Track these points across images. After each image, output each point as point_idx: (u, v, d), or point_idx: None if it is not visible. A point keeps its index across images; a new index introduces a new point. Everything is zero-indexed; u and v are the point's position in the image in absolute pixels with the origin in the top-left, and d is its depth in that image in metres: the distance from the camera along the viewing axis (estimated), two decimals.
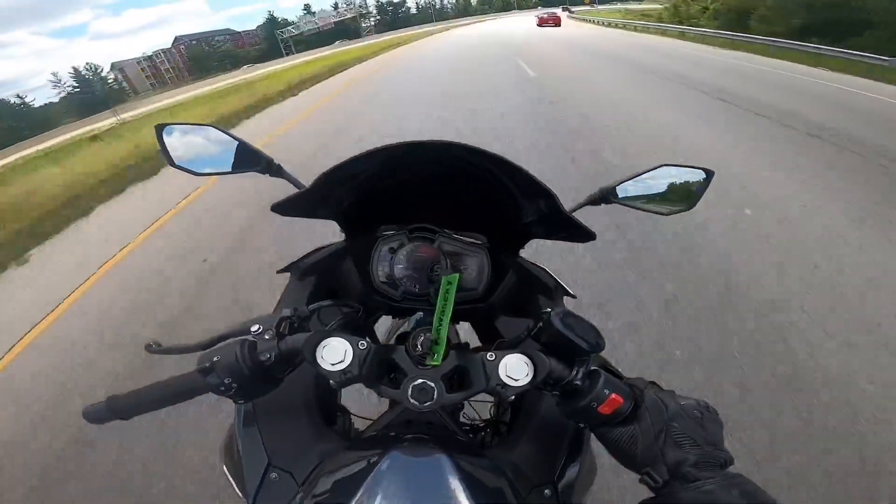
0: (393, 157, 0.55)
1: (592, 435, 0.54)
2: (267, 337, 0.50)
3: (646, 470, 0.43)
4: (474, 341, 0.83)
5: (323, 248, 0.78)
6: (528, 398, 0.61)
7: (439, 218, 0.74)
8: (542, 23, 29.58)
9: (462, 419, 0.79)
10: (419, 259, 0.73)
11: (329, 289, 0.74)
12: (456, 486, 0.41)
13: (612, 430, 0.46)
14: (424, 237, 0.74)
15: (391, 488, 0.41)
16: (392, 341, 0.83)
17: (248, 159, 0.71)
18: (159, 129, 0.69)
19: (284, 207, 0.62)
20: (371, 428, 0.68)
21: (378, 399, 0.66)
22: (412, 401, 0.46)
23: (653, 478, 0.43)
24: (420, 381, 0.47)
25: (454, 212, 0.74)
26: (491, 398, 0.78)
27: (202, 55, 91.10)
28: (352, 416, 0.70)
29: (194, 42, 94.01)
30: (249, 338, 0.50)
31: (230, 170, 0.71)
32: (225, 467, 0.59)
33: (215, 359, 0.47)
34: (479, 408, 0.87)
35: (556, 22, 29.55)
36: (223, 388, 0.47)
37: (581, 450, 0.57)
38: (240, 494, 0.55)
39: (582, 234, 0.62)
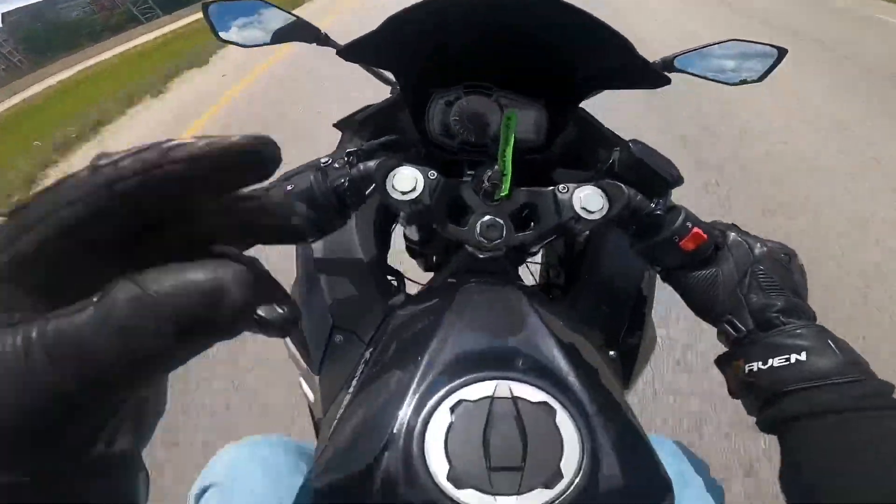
0: (450, 6, 0.54)
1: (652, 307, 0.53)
2: (337, 166, 0.48)
3: (727, 318, 0.40)
4: None
5: (376, 104, 0.78)
6: (586, 260, 0.59)
7: (494, 78, 0.74)
8: None
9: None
10: (475, 112, 0.72)
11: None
12: (532, 317, 0.39)
13: (689, 275, 0.42)
14: (481, 92, 0.73)
15: (470, 317, 0.39)
16: None
17: (294, 30, 0.75)
18: (205, 6, 0.72)
19: (349, 51, 0.61)
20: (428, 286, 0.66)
21: (423, 270, 0.72)
22: (480, 238, 0.44)
23: (735, 326, 0.40)
24: (488, 217, 0.45)
25: (510, 72, 0.72)
26: (540, 262, 0.83)
27: (36, 34, 69.14)
28: (405, 280, 0.69)
29: (28, 15, 73.03)
30: (321, 164, 0.48)
31: (277, 40, 0.74)
32: (287, 338, 0.57)
33: (289, 187, 0.45)
34: (533, 273, 0.86)
35: None
36: None
37: (643, 318, 0.55)
38: (304, 366, 0.54)
39: (654, 78, 0.56)
